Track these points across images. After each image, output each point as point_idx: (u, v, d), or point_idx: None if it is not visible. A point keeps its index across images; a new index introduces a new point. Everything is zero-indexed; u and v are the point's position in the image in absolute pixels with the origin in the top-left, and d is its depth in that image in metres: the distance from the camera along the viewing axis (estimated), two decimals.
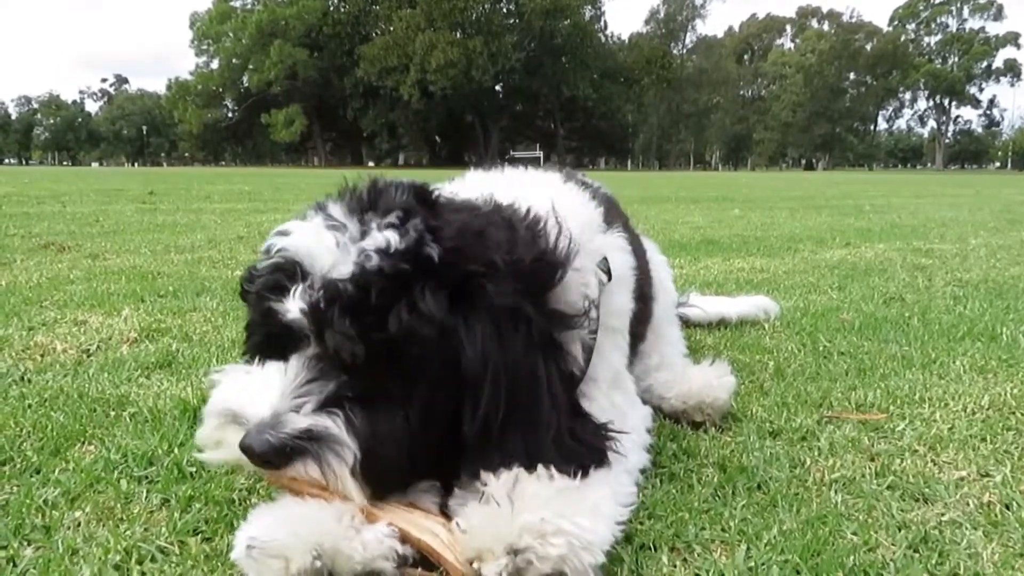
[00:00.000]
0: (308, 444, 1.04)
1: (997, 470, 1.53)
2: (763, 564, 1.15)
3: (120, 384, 1.98)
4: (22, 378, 2.00)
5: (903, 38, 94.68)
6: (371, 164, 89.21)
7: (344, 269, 1.07)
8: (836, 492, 1.42)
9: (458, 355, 1.09)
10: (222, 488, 1.37)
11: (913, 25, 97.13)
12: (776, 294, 3.44)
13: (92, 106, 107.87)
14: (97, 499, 1.33)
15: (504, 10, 78.92)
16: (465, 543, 1.01)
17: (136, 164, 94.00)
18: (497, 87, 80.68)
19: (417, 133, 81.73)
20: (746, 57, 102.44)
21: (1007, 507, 1.37)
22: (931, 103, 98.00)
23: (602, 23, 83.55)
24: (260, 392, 1.07)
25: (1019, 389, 2.06)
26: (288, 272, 1.10)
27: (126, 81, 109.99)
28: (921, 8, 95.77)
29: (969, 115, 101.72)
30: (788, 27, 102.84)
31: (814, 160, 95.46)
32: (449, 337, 1.08)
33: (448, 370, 1.09)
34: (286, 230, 1.15)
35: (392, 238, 1.09)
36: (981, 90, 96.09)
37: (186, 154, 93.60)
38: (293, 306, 1.07)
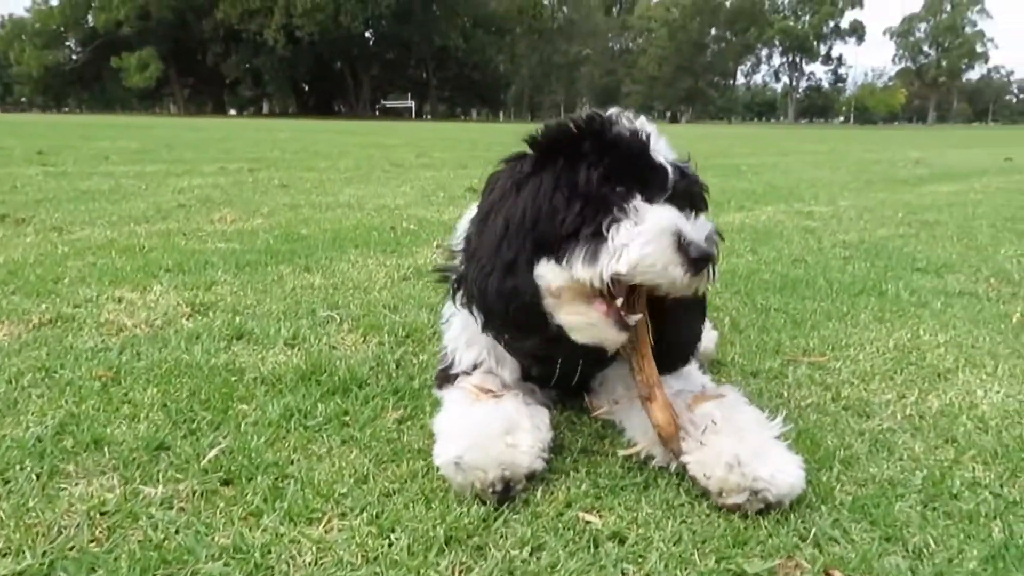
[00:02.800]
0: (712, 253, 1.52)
1: (909, 393, 2.19)
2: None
3: (217, 353, 2.33)
4: (133, 353, 2.31)
5: None
6: (233, 112, 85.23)
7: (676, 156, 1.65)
8: (811, 413, 2.04)
9: None
10: (376, 431, 1.82)
11: None
12: None
13: None
14: (295, 443, 1.74)
15: None
16: (713, 483, 1.50)
17: None
18: (367, 34, 78.60)
19: (283, 81, 78.56)
20: (615, 9, 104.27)
21: (921, 417, 2.02)
22: (785, 60, 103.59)
23: None
24: (687, 224, 1.49)
25: (911, 333, 2.77)
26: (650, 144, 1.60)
27: None
28: None
29: (819, 72, 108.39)
30: None
31: (679, 113, 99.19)
32: None
33: None
34: (634, 119, 1.64)
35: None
36: (830, 48, 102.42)
37: (23, 99, 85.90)
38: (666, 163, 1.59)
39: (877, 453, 1.79)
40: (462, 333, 1.89)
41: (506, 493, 1.50)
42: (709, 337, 2.41)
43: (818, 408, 2.07)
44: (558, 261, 1.54)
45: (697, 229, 1.50)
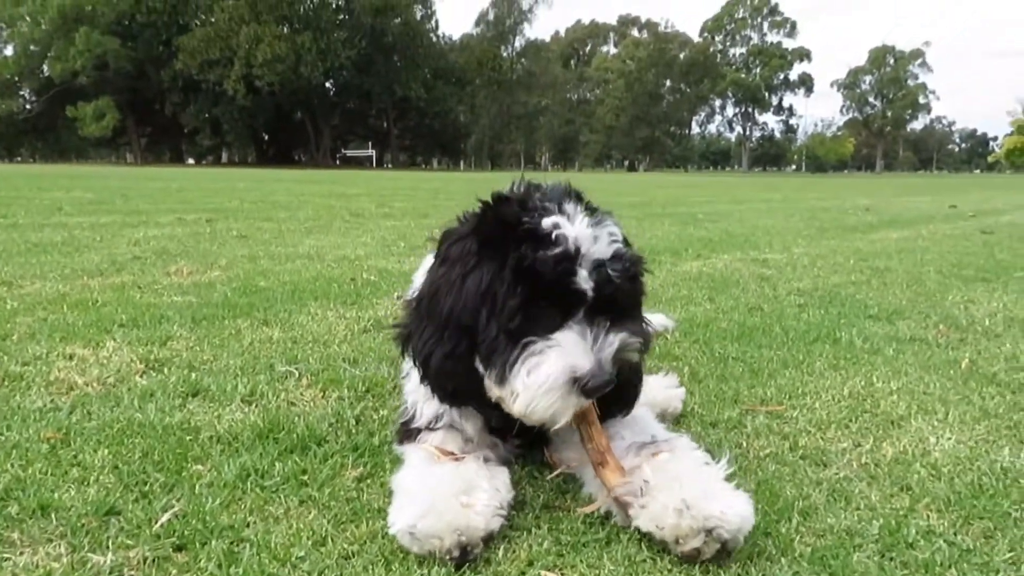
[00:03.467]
0: (622, 364, 1.60)
1: (865, 441, 2.23)
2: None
3: (171, 412, 2.28)
4: (84, 412, 2.25)
5: (712, 49, 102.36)
6: (191, 161, 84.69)
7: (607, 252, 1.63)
8: (770, 463, 2.06)
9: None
10: (334, 488, 1.79)
11: (720, 37, 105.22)
12: (661, 306, 4.13)
13: None
14: (251, 505, 1.70)
15: (334, 5, 77.55)
16: (668, 533, 1.52)
17: None
18: (328, 84, 79.11)
19: (243, 130, 78.42)
20: (572, 62, 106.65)
21: (876, 465, 2.06)
22: (738, 110, 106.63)
23: (433, 23, 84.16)
24: (579, 352, 1.56)
25: (865, 380, 2.82)
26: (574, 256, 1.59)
27: None
28: (727, 22, 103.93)
29: (771, 122, 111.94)
30: (611, 34, 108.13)
31: (636, 161, 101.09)
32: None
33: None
34: (562, 224, 1.61)
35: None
36: (780, 99, 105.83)
37: None
38: (584, 282, 1.58)
39: (835, 503, 1.81)
40: (422, 386, 1.87)
41: (464, 558, 1.49)
42: (676, 395, 2.45)
43: (776, 458, 2.09)
44: (483, 366, 1.65)
45: (602, 350, 1.57)
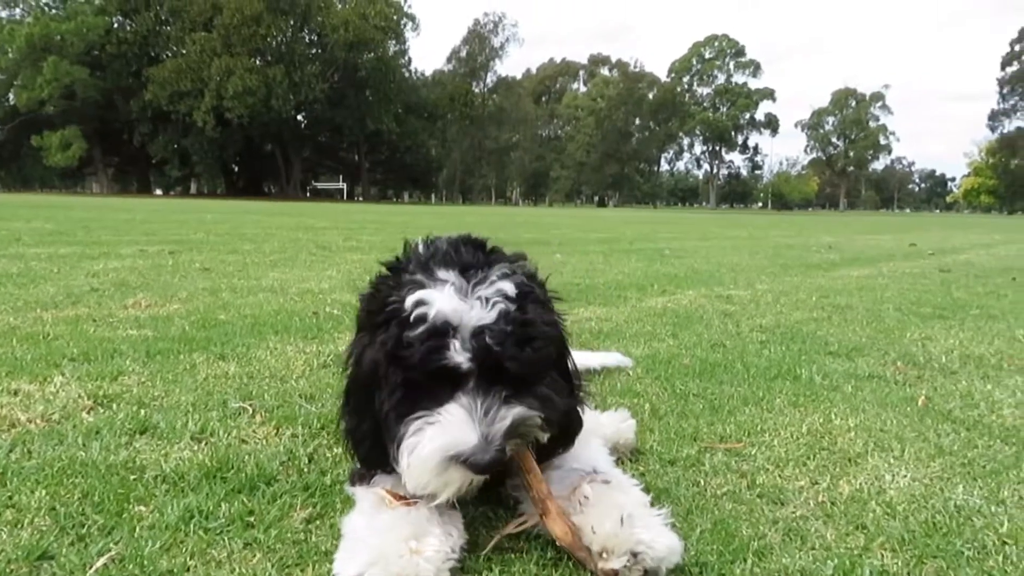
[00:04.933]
0: (518, 437, 1.54)
1: (822, 479, 2.23)
2: (698, 554, 1.71)
3: (117, 450, 2.21)
4: (24, 451, 2.17)
5: (679, 89, 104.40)
6: (159, 192, 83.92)
7: (487, 317, 1.53)
8: (727, 502, 2.04)
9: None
10: (283, 531, 1.74)
11: (688, 77, 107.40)
12: (624, 342, 4.14)
13: None
14: (193, 548, 1.64)
15: (307, 39, 77.93)
16: (597, 541, 1.54)
17: None
18: (300, 117, 79.17)
19: (212, 161, 77.99)
20: (544, 99, 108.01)
21: (832, 503, 2.05)
22: (706, 148, 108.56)
23: (406, 59, 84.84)
24: (462, 428, 1.49)
25: (824, 417, 2.83)
26: (443, 331, 1.52)
27: None
28: (695, 62, 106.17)
29: (737, 160, 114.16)
30: (581, 72, 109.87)
31: (606, 197, 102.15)
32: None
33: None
34: (427, 299, 1.53)
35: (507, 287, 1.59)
36: (746, 138, 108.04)
37: None
38: (458, 355, 1.51)
39: (790, 542, 1.80)
40: None
41: None
42: (628, 426, 2.42)
43: (733, 496, 2.08)
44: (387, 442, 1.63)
45: (492, 423, 1.50)
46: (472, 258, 1.67)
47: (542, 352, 1.60)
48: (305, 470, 2.14)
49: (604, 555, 1.52)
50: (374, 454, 1.70)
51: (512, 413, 1.52)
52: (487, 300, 1.55)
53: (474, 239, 1.76)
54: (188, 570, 1.55)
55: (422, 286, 1.57)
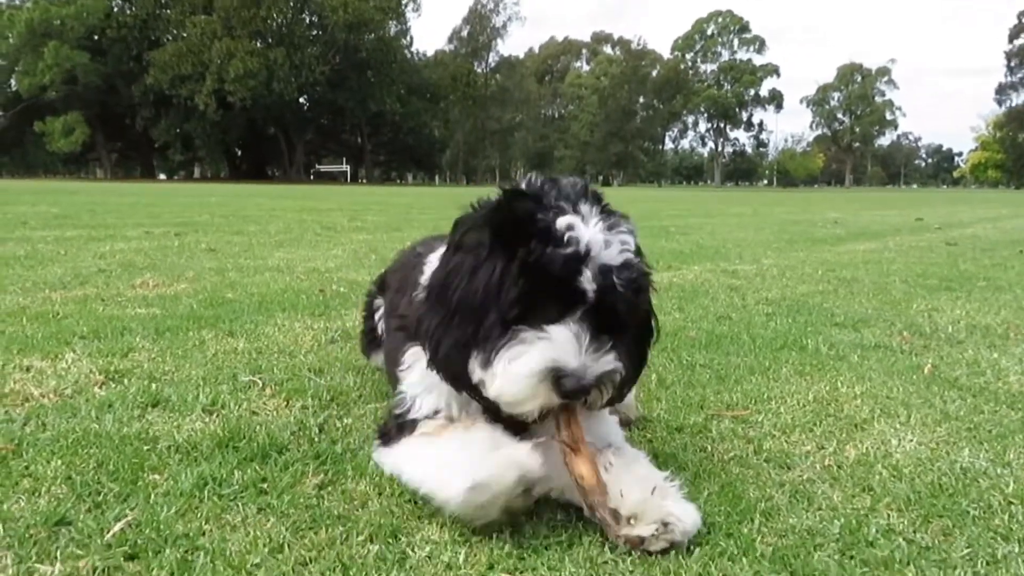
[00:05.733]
0: (600, 384, 1.59)
1: (828, 444, 2.24)
2: (707, 515, 1.73)
3: (130, 422, 2.24)
4: (38, 424, 2.20)
5: (683, 66, 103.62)
6: (163, 177, 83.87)
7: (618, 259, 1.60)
8: (734, 466, 2.06)
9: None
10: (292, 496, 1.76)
11: (691, 54, 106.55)
12: None
13: None
14: (208, 513, 1.67)
15: (307, 21, 77.38)
16: (626, 506, 1.56)
17: None
18: (301, 100, 78.79)
19: (215, 145, 77.70)
20: (547, 78, 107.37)
21: (839, 467, 2.07)
22: (710, 126, 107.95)
23: (407, 39, 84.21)
24: (567, 349, 1.55)
25: (830, 386, 2.85)
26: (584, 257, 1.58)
27: None
28: (698, 39, 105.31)
29: (742, 137, 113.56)
30: (584, 51, 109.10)
31: (610, 177, 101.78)
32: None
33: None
34: (576, 225, 1.59)
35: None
36: (751, 115, 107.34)
37: None
38: (588, 283, 1.57)
39: (797, 503, 1.82)
40: (423, 378, 1.86)
41: (527, 499, 1.55)
42: (627, 404, 2.43)
43: (740, 461, 2.10)
44: (474, 349, 1.64)
45: (594, 359, 1.57)
46: (603, 203, 1.72)
47: (646, 307, 1.75)
48: (316, 439, 2.17)
49: (632, 520, 1.54)
50: (464, 373, 1.70)
51: (611, 361, 1.59)
52: (620, 243, 1.62)
53: (594, 189, 1.77)
54: (204, 534, 1.58)
55: (568, 212, 1.62)
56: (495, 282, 1.61)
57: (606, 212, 1.67)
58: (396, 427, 1.88)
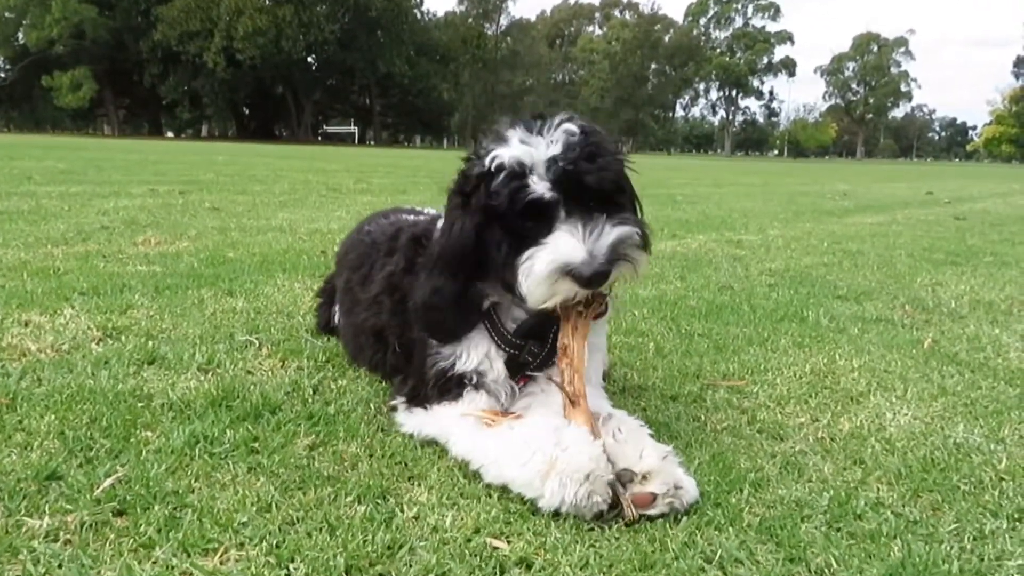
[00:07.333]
0: (616, 261, 1.64)
1: (823, 416, 2.24)
2: (696, 484, 1.73)
3: (125, 379, 2.24)
4: (34, 378, 2.21)
5: (695, 32, 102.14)
6: (170, 135, 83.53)
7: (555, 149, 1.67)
8: (726, 436, 2.06)
9: None
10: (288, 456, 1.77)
11: (705, 20, 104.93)
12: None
13: None
14: (198, 471, 1.68)
15: None
16: (641, 466, 1.61)
17: None
18: (310, 59, 78.03)
19: (223, 104, 77.17)
20: (558, 42, 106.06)
21: (832, 439, 2.06)
22: (722, 94, 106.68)
23: None
24: (568, 245, 1.61)
25: (828, 358, 2.83)
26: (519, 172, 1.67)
27: None
28: (712, 4, 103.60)
29: (753, 106, 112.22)
30: (596, 15, 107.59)
31: (620, 144, 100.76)
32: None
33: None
34: (499, 152, 1.70)
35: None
36: (762, 83, 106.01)
37: None
38: (538, 186, 1.65)
39: (787, 475, 1.81)
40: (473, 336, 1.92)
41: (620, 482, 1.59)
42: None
43: (733, 431, 2.09)
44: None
45: (595, 240, 1.61)
46: (537, 120, 1.78)
47: (614, 165, 1.75)
48: (309, 400, 2.17)
49: (647, 478, 1.58)
50: (451, 319, 1.85)
51: (615, 231, 1.63)
52: (559, 136, 1.69)
53: (541, 113, 1.83)
54: (193, 491, 1.58)
55: (493, 149, 1.73)
56: (471, 235, 1.75)
57: (534, 123, 1.74)
58: (440, 386, 1.90)
